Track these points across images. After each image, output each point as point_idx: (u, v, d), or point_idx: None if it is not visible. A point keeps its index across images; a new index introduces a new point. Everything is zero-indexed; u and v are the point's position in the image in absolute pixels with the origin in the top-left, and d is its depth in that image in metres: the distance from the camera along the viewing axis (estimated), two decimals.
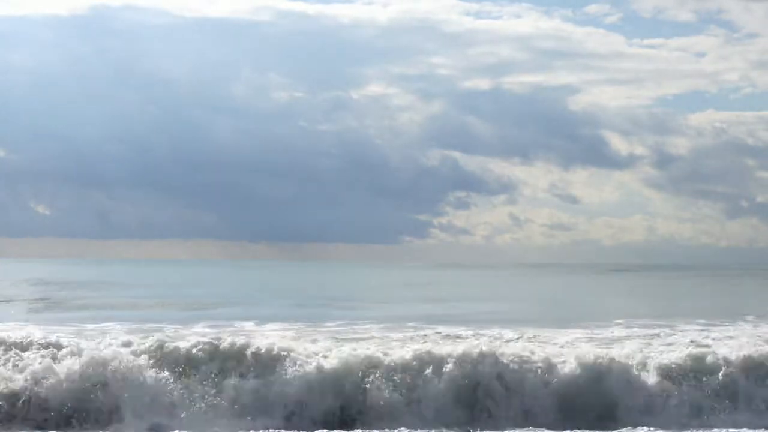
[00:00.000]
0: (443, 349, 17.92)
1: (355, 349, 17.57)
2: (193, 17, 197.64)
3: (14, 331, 18.65)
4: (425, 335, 25.11)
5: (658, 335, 26.46)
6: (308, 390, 16.52)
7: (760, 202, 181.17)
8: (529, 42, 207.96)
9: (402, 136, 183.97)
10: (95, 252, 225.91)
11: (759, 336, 24.04)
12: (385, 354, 17.63)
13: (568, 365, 17.43)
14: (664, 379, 17.48)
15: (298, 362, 16.95)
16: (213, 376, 16.77)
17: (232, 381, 16.59)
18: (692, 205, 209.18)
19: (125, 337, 18.13)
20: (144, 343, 17.57)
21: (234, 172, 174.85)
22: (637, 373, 17.43)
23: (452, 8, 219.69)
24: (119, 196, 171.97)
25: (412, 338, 23.83)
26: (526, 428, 16.09)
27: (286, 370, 16.86)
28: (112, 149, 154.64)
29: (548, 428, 15.97)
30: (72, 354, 16.74)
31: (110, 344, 17.30)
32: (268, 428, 15.93)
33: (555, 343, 20.73)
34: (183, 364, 16.87)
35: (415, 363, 17.24)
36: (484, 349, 17.44)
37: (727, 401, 17.14)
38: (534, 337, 24.08)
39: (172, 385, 16.43)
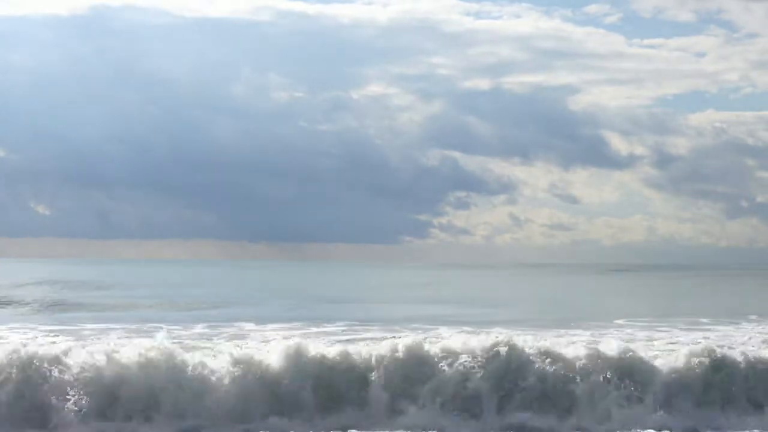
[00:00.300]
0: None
1: None
2: (193, 17, 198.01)
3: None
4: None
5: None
6: None
7: (760, 202, 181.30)
8: (529, 42, 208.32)
9: (402, 136, 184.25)
10: (95, 252, 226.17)
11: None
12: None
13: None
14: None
15: None
16: None
17: None
18: (692, 205, 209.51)
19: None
20: None
21: (234, 172, 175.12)
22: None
23: (452, 8, 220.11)
24: (119, 196, 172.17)
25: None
26: None
27: None
28: (112, 149, 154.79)
29: None
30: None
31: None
32: None
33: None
34: None
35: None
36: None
37: None
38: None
39: None
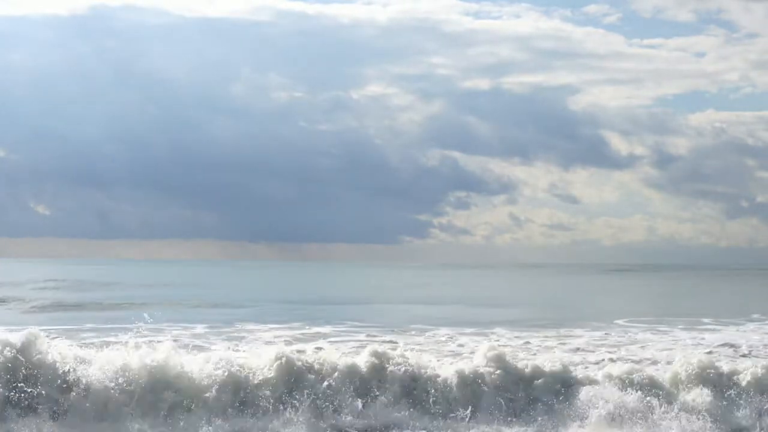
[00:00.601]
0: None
1: None
2: (193, 17, 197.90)
3: None
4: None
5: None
6: None
7: (760, 202, 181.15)
8: (529, 42, 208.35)
9: (402, 136, 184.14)
10: (95, 252, 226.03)
11: None
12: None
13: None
14: None
15: None
16: None
17: None
18: (692, 205, 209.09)
19: None
20: None
21: (234, 172, 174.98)
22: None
23: (452, 8, 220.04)
24: (119, 196, 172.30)
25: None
26: None
27: None
28: (112, 149, 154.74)
29: None
30: None
31: None
32: None
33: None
34: None
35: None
36: None
37: None
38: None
39: None
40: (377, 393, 15.89)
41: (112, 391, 14.93)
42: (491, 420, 15.75)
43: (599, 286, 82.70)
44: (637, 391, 16.23)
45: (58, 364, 15.08)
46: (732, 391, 16.64)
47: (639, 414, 15.83)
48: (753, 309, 41.94)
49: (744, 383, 16.95)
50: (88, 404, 14.76)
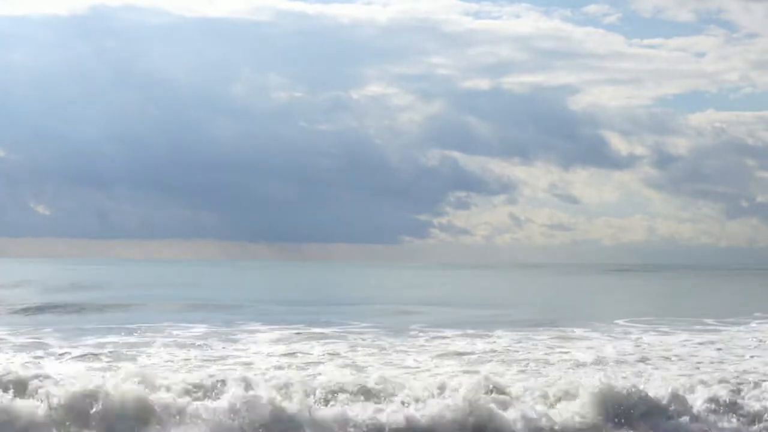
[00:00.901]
0: None
1: None
2: (192, 17, 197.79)
3: None
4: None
5: None
6: None
7: (760, 202, 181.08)
8: (529, 42, 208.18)
9: (402, 136, 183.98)
10: (95, 252, 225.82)
11: None
12: None
13: None
14: None
15: None
16: None
17: None
18: (692, 205, 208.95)
19: None
20: None
21: (234, 172, 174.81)
22: None
23: (452, 8, 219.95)
24: (119, 196, 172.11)
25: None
26: None
27: None
28: (112, 149, 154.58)
29: None
30: None
31: None
32: None
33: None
34: None
35: None
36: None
37: None
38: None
39: None
40: None
41: None
42: None
43: (599, 286, 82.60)
44: None
45: None
46: None
47: None
48: (754, 309, 41.86)
49: None
50: None
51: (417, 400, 14.42)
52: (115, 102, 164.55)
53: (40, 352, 22.64)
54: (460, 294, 64.78)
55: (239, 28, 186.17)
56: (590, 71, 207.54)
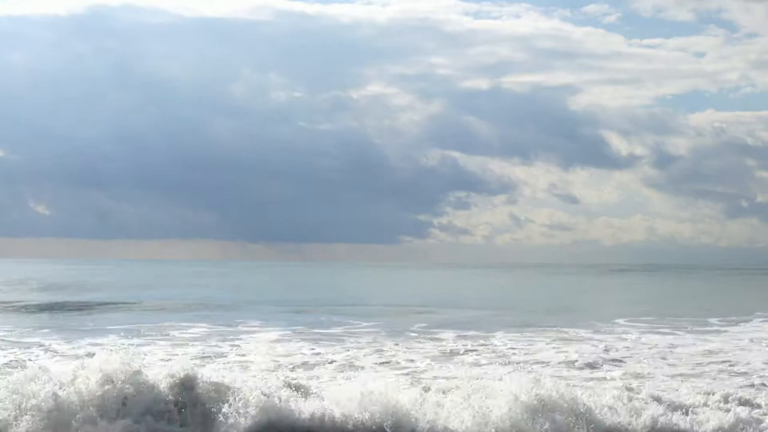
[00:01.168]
0: None
1: None
2: (192, 17, 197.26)
3: None
4: None
5: None
6: None
7: (760, 202, 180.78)
8: (529, 42, 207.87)
9: (402, 136, 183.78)
10: (95, 252, 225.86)
11: None
12: None
13: None
14: None
15: None
16: None
17: None
18: (692, 205, 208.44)
19: None
20: None
21: (234, 172, 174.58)
22: None
23: (451, 8, 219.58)
24: (119, 196, 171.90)
25: None
26: None
27: None
28: (112, 149, 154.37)
29: None
30: None
31: None
32: None
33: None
34: None
35: None
36: None
37: None
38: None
39: None
40: None
41: None
42: None
43: (599, 286, 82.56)
44: None
45: None
46: None
47: None
48: (755, 308, 41.81)
49: None
50: None
51: None
52: (114, 102, 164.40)
53: (40, 352, 22.60)
54: (460, 294, 64.71)
55: (239, 28, 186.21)
56: (590, 71, 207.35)
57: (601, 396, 14.86)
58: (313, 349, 24.13)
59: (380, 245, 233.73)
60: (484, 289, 76.40)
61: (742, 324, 34.39)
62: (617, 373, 20.20)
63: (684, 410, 14.80)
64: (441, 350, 24.21)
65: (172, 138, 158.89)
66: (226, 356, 22.37)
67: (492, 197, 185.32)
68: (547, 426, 13.73)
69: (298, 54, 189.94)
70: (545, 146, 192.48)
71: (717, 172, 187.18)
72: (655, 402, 14.95)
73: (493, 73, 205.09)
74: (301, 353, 23.23)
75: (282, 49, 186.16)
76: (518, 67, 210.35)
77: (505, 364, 21.28)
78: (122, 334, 27.84)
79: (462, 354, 23.57)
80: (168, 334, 28.03)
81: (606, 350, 24.44)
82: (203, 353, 22.75)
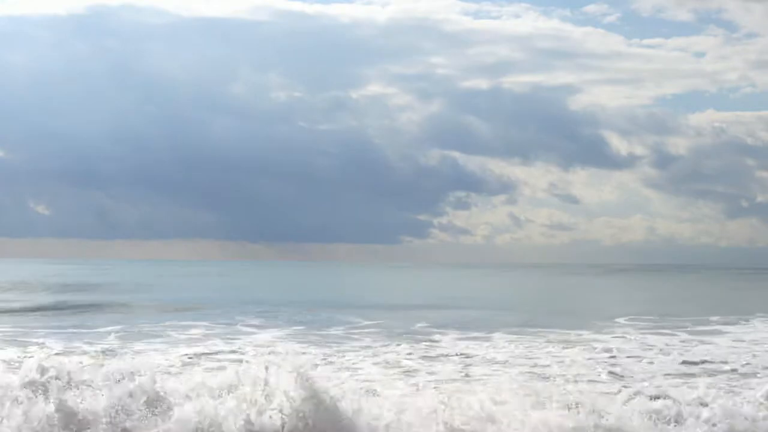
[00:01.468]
0: None
1: None
2: (192, 17, 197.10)
3: None
4: None
5: None
6: None
7: (760, 202, 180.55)
8: (528, 42, 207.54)
9: (401, 136, 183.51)
10: (95, 252, 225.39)
11: None
12: None
13: None
14: None
15: None
16: None
17: None
18: (692, 205, 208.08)
19: None
20: None
21: (234, 172, 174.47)
22: None
23: (451, 8, 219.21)
24: (119, 196, 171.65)
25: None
26: None
27: None
28: (112, 149, 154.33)
29: None
30: None
31: None
32: None
33: None
34: None
35: None
36: None
37: None
38: None
39: None
40: None
41: None
42: None
43: (600, 286, 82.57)
44: None
45: None
46: None
47: None
48: (756, 308, 41.79)
49: None
50: None
51: None
52: (114, 102, 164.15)
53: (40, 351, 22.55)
54: (461, 295, 64.65)
55: (239, 28, 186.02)
56: (590, 71, 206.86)
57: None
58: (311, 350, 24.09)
59: (380, 245, 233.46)
60: (484, 289, 76.38)
61: (741, 324, 34.38)
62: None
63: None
64: (438, 351, 24.16)
65: (172, 138, 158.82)
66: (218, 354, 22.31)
67: (492, 197, 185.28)
68: None
69: (298, 54, 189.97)
70: (545, 146, 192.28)
71: (717, 172, 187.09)
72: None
73: (492, 73, 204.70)
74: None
75: (282, 49, 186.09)
76: (518, 67, 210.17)
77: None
78: (121, 334, 27.83)
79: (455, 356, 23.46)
80: (168, 335, 27.98)
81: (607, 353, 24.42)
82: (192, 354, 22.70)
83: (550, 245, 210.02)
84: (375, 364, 21.15)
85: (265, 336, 28.00)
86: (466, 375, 19.66)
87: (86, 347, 23.99)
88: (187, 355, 22.34)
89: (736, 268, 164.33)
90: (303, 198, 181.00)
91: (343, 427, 13.21)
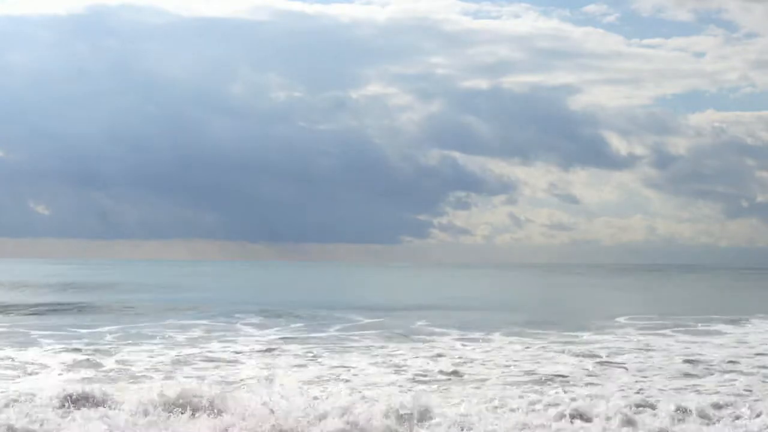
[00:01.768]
0: None
1: None
2: (191, 17, 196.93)
3: None
4: None
5: None
6: None
7: (760, 202, 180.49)
8: (528, 42, 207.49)
9: (401, 136, 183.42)
10: (95, 252, 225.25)
11: None
12: None
13: None
14: None
15: None
16: None
17: None
18: (692, 205, 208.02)
19: None
20: None
21: (234, 172, 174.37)
22: None
23: (451, 8, 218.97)
24: (119, 196, 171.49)
25: None
26: None
27: None
28: (112, 149, 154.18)
29: None
30: None
31: None
32: None
33: None
34: None
35: None
36: None
37: None
38: None
39: None
40: None
41: None
42: None
43: (600, 286, 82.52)
44: None
45: None
46: None
47: None
48: (756, 308, 41.77)
49: None
50: None
51: None
52: (114, 102, 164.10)
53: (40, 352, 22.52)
54: (460, 295, 64.62)
55: (238, 28, 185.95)
56: (590, 71, 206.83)
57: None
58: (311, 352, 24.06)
59: (380, 245, 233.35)
60: (484, 289, 76.33)
61: (741, 324, 34.35)
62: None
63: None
64: (437, 352, 24.13)
65: (172, 138, 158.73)
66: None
67: (492, 197, 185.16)
68: None
69: (298, 54, 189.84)
70: (545, 146, 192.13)
71: (717, 172, 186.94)
72: None
73: (492, 73, 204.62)
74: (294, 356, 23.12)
75: (282, 49, 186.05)
76: (518, 67, 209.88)
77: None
78: (120, 334, 27.81)
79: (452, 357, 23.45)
80: (167, 335, 27.95)
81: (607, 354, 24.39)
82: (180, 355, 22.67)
83: (550, 245, 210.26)
84: (372, 363, 21.16)
85: (266, 336, 27.99)
86: (455, 373, 19.66)
87: (80, 346, 23.99)
88: (179, 355, 22.33)
89: (736, 268, 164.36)
90: (303, 198, 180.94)
91: None
